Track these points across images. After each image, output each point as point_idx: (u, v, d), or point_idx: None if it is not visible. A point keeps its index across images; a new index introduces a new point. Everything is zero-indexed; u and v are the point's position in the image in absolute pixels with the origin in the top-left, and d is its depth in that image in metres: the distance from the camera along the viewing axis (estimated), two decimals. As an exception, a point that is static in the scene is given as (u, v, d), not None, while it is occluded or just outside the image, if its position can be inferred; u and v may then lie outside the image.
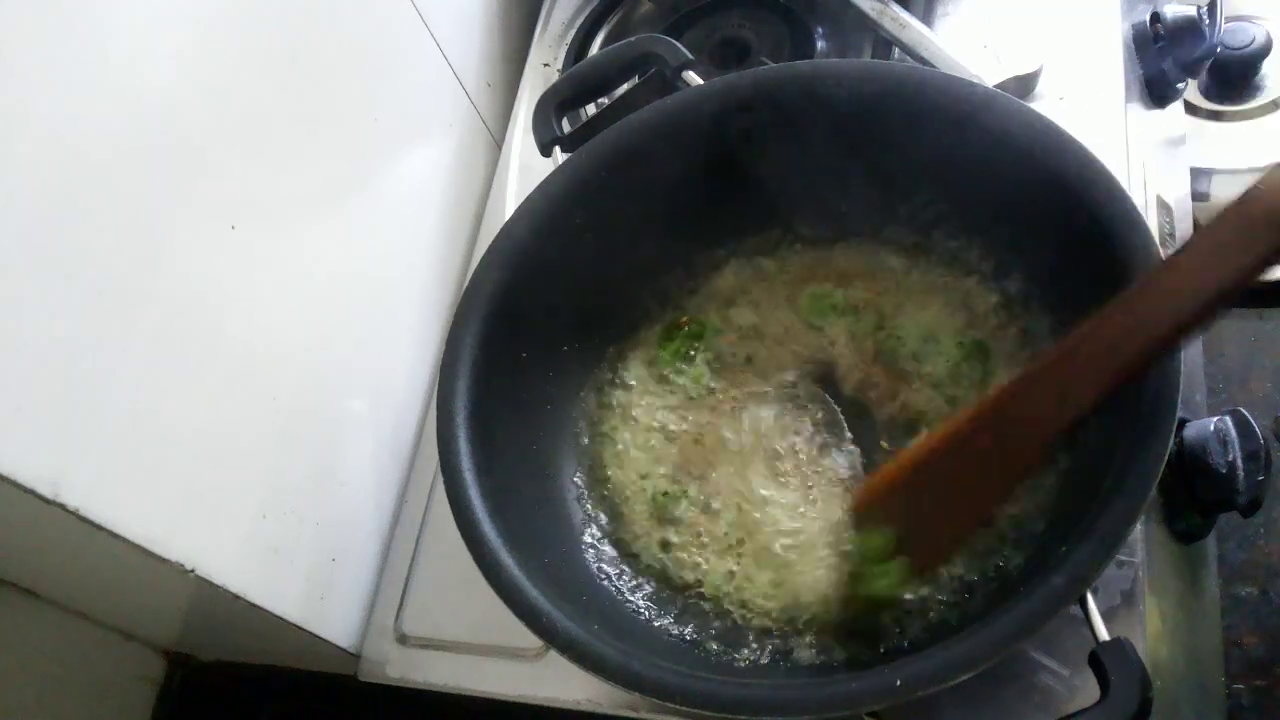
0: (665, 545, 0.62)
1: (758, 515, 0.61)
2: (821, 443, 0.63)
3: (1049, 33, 0.73)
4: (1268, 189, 0.42)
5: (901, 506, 0.54)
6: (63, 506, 0.47)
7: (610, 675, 0.49)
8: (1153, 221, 0.65)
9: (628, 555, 0.63)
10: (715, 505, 0.62)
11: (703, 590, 0.60)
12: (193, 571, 0.55)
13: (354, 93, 0.71)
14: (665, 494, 0.64)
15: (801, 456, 0.63)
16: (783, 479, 0.62)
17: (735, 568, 0.60)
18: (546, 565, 0.57)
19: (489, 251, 0.62)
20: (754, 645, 0.58)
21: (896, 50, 0.77)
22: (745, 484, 0.63)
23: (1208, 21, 0.72)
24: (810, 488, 0.61)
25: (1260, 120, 0.82)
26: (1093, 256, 0.51)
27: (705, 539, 0.62)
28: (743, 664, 0.57)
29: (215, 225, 0.58)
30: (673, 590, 0.61)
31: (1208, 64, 0.76)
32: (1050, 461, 0.54)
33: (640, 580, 0.62)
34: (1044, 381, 0.49)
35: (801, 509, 0.61)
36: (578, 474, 0.66)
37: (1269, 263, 0.42)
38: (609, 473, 0.65)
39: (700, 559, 0.61)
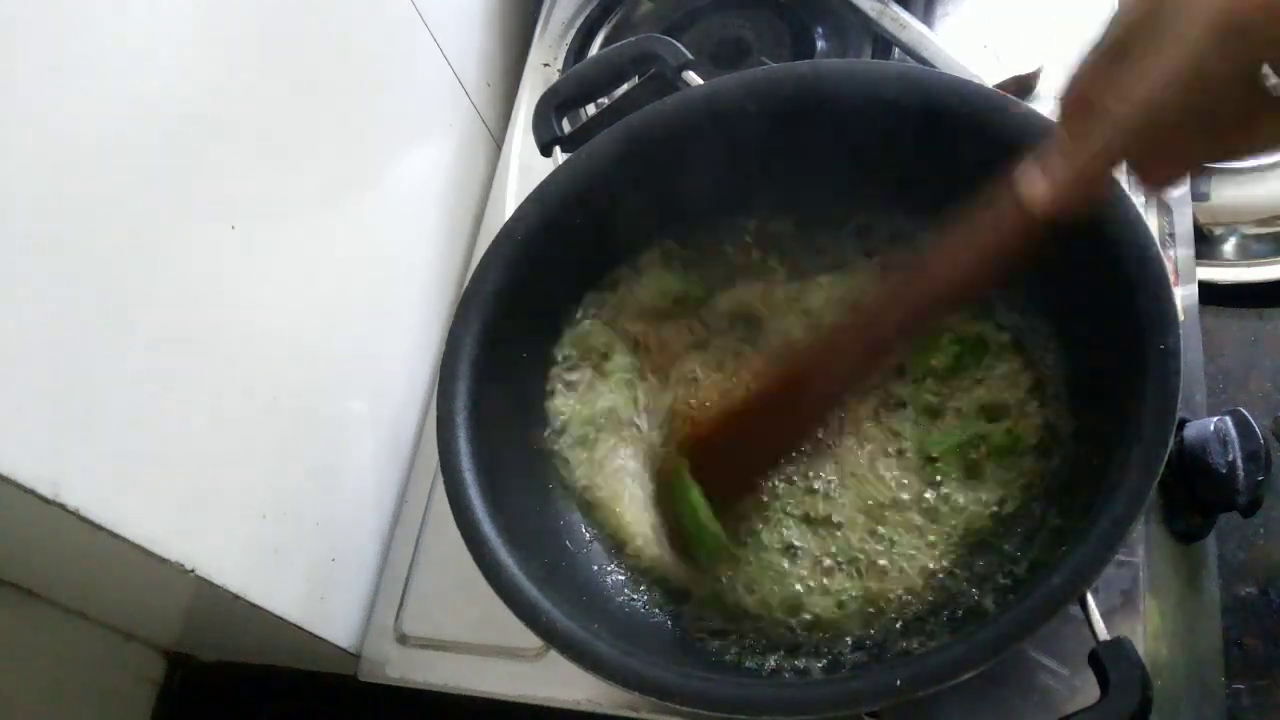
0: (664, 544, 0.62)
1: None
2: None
3: (1049, 33, 0.73)
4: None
5: (712, 453, 0.60)
6: (63, 506, 0.47)
7: (610, 675, 0.49)
8: (1153, 221, 0.64)
9: (627, 555, 0.63)
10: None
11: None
12: (193, 571, 0.55)
13: (354, 93, 0.71)
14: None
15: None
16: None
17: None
18: (546, 565, 0.57)
19: (489, 251, 0.63)
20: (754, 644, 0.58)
21: (896, 50, 0.77)
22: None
23: (1207, 21, 0.72)
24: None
25: (1260, 120, 0.82)
26: (1093, 257, 0.51)
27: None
28: (742, 664, 0.57)
29: (215, 225, 0.58)
30: (671, 590, 0.61)
31: (1207, 64, 0.76)
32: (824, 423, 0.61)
33: (640, 580, 0.62)
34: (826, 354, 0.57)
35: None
36: (580, 473, 0.66)
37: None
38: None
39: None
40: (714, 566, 0.60)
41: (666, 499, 0.62)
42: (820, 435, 0.61)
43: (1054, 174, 0.44)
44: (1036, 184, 0.44)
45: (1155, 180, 0.44)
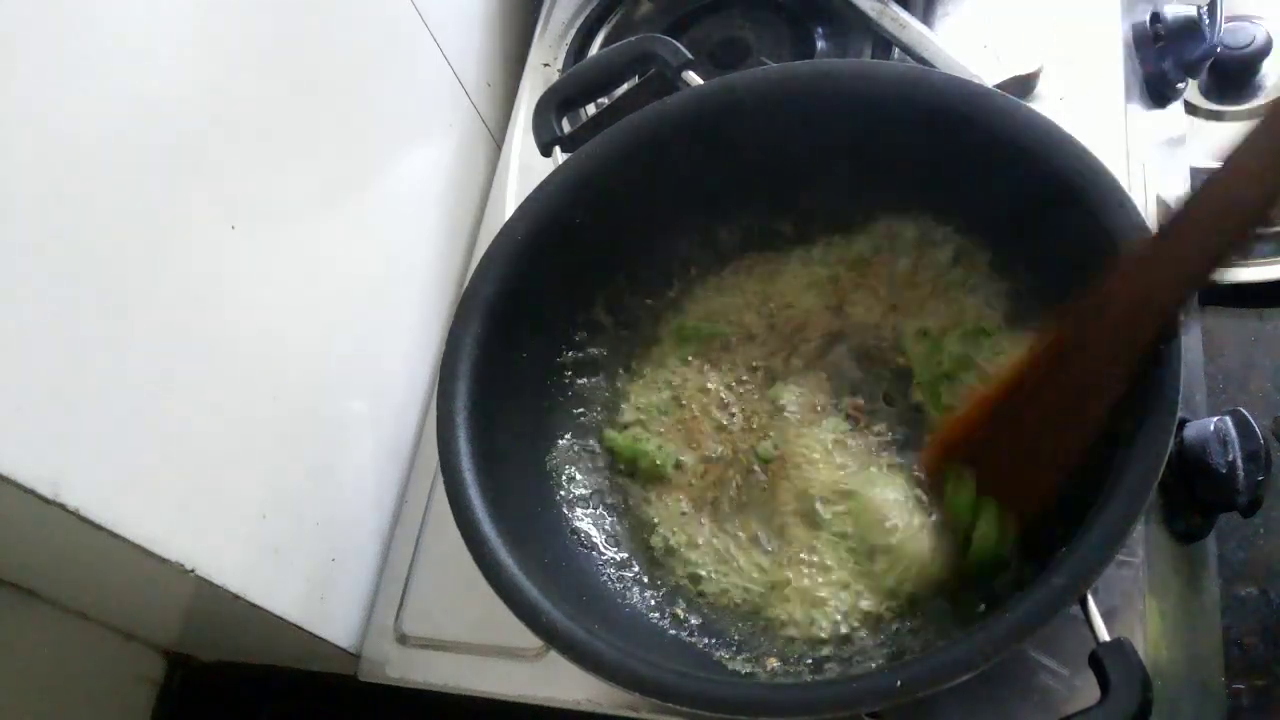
0: (665, 546, 0.62)
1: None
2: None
3: (1049, 33, 0.73)
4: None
5: (979, 455, 0.53)
6: (63, 506, 0.47)
7: (610, 675, 0.49)
8: (1153, 221, 0.65)
9: (627, 555, 0.63)
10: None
11: (702, 590, 0.60)
12: (193, 571, 0.55)
13: (354, 93, 0.71)
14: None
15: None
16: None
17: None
18: (546, 565, 0.57)
19: (489, 251, 0.62)
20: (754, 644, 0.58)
21: (896, 50, 0.77)
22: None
23: (1208, 21, 0.72)
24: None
25: (1260, 120, 0.82)
26: (1094, 257, 0.51)
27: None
28: (742, 665, 0.57)
29: (215, 225, 0.58)
30: (671, 590, 0.61)
31: (1208, 64, 0.76)
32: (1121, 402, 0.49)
33: (640, 580, 0.62)
34: (1104, 319, 0.48)
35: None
36: (579, 473, 0.66)
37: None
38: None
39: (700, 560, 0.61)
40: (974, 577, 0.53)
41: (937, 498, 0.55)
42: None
43: None
44: None
45: None
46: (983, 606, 0.54)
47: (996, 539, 0.53)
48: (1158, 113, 0.75)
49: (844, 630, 0.56)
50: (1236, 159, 0.44)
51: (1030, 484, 0.52)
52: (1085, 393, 0.48)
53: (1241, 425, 0.56)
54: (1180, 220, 0.46)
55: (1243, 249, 0.47)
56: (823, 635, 0.56)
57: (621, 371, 0.68)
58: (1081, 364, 0.49)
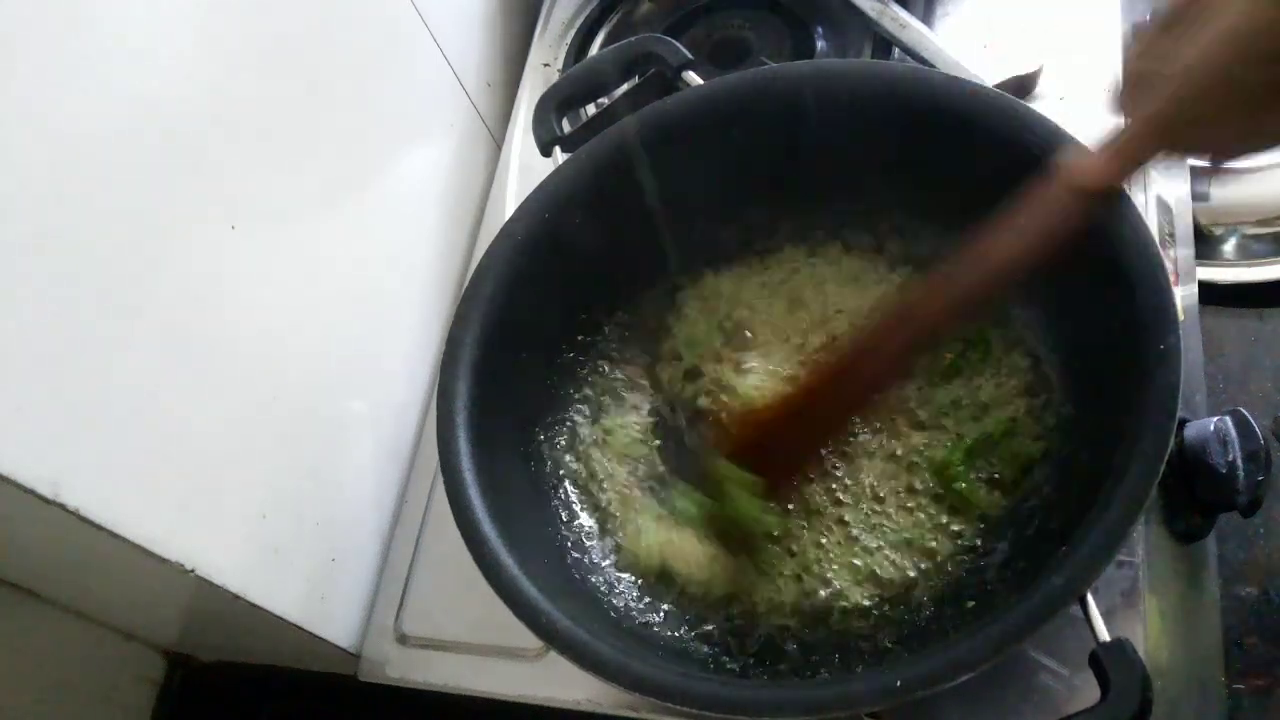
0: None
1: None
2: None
3: (1049, 33, 0.73)
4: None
5: (759, 446, 0.59)
6: (63, 506, 0.47)
7: (610, 675, 0.49)
8: (1153, 222, 0.65)
9: (626, 555, 0.63)
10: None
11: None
12: (193, 571, 0.55)
13: (354, 93, 0.71)
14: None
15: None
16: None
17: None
18: (546, 565, 0.57)
19: (489, 251, 0.63)
20: (752, 644, 0.58)
21: (896, 50, 0.77)
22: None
23: (1208, 21, 0.72)
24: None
25: (1260, 120, 0.82)
26: (1094, 257, 0.51)
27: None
28: (740, 665, 0.57)
29: (215, 225, 0.58)
30: (671, 590, 0.61)
31: (1208, 64, 0.76)
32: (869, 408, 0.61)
33: (639, 580, 0.62)
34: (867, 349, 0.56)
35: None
36: (578, 473, 0.66)
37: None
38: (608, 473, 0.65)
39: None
40: (763, 552, 0.60)
41: (713, 493, 0.60)
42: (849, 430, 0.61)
43: (1107, 143, 0.44)
44: (1088, 156, 0.44)
45: (1199, 152, 0.44)
46: (971, 604, 0.54)
47: (762, 521, 0.59)
48: (1158, 113, 0.75)
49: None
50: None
51: (786, 469, 0.60)
52: (847, 404, 0.58)
53: (1241, 425, 0.56)
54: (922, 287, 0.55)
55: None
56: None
57: (621, 372, 0.68)
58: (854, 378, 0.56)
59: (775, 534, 0.60)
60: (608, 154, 0.64)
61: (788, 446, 0.59)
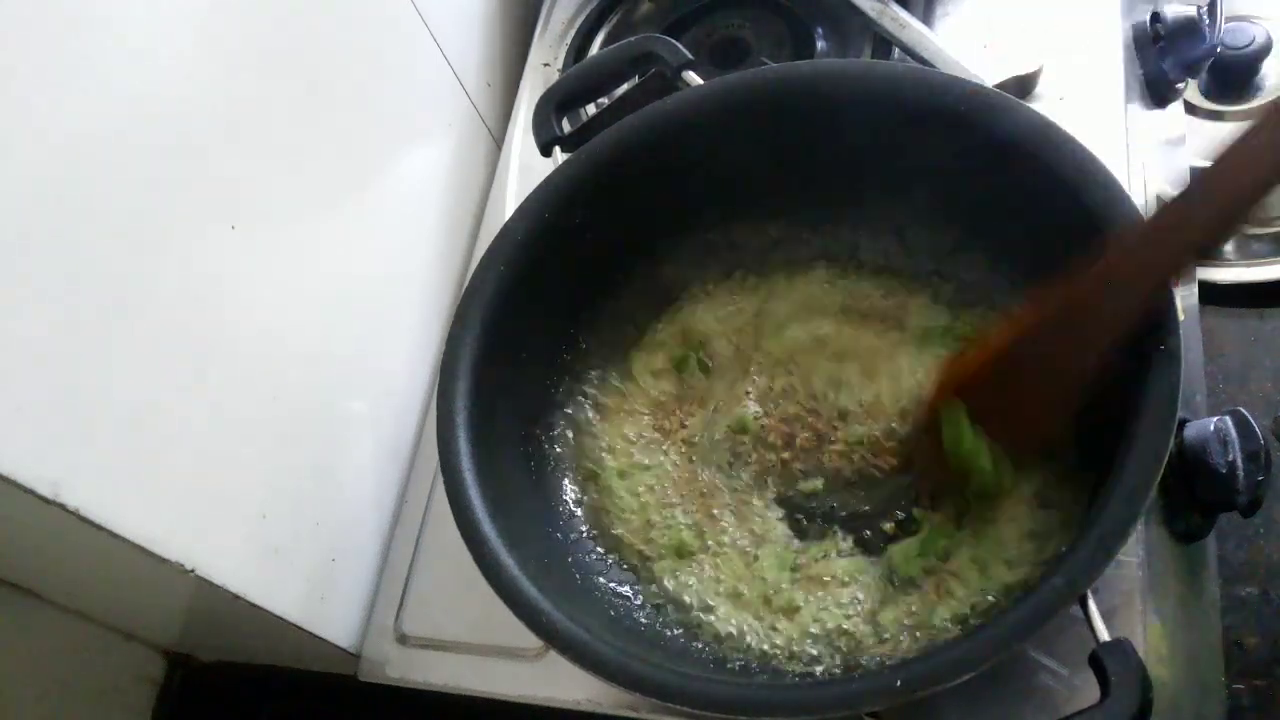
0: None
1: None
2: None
3: (1049, 33, 0.73)
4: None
5: (977, 397, 0.56)
6: (63, 506, 0.47)
7: (610, 675, 0.49)
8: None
9: (626, 555, 0.63)
10: (715, 511, 0.63)
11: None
12: (193, 571, 0.55)
13: (354, 93, 0.71)
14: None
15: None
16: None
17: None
18: (546, 565, 0.57)
19: (489, 251, 0.62)
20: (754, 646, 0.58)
21: (896, 50, 0.77)
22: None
23: (1208, 21, 0.72)
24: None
25: (1260, 120, 0.82)
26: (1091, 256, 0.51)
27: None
28: (739, 665, 0.57)
29: (215, 225, 0.58)
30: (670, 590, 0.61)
31: (1208, 64, 0.76)
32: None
33: (639, 580, 0.62)
34: (1105, 280, 0.51)
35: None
36: (578, 474, 0.66)
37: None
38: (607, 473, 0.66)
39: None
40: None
41: (933, 439, 0.58)
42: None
43: None
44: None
45: None
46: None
47: (993, 475, 0.56)
48: (1157, 113, 0.75)
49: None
50: (1234, 152, 0.47)
51: (1027, 427, 0.56)
52: (1085, 347, 0.52)
53: (1241, 425, 0.56)
54: (1180, 201, 0.50)
55: (1232, 231, 0.54)
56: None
57: (620, 373, 0.68)
58: (1081, 321, 0.52)
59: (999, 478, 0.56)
60: (608, 154, 0.64)
61: (1020, 402, 0.55)
